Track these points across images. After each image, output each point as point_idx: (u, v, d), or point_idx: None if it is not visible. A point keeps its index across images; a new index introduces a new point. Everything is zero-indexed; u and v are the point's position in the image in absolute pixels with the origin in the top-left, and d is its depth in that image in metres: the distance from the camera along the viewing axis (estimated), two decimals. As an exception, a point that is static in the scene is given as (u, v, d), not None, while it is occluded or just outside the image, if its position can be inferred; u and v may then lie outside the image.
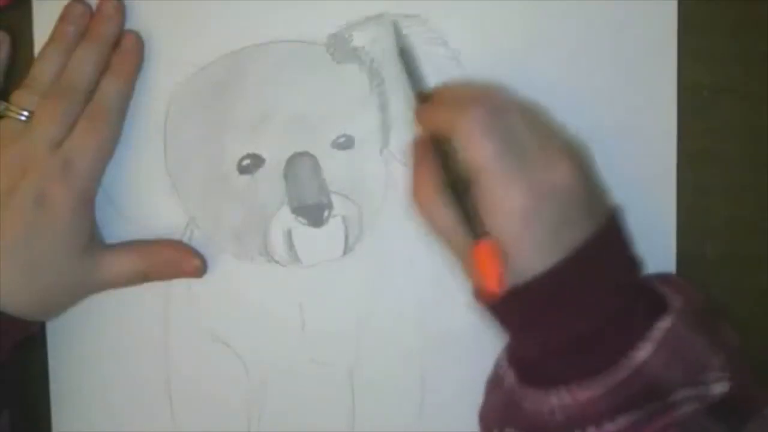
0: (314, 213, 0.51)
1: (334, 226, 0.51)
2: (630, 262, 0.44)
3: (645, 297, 0.43)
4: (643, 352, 0.41)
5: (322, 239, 0.51)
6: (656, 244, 0.50)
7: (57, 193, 0.47)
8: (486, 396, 0.47)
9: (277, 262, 0.52)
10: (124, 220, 0.52)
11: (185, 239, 0.52)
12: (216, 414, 0.53)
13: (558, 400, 0.41)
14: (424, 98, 0.48)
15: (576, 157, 0.44)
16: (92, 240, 0.49)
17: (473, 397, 0.49)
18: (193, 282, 0.52)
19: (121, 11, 0.50)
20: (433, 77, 0.49)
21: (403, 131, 0.51)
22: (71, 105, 0.48)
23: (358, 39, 0.50)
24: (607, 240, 0.43)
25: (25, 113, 0.48)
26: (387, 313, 0.51)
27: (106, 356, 0.52)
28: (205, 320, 0.52)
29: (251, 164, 0.51)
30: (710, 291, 0.51)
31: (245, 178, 0.51)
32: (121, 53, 0.50)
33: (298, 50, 0.51)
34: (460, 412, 0.51)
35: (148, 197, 0.52)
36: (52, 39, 0.50)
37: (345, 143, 0.51)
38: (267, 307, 0.52)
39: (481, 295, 0.44)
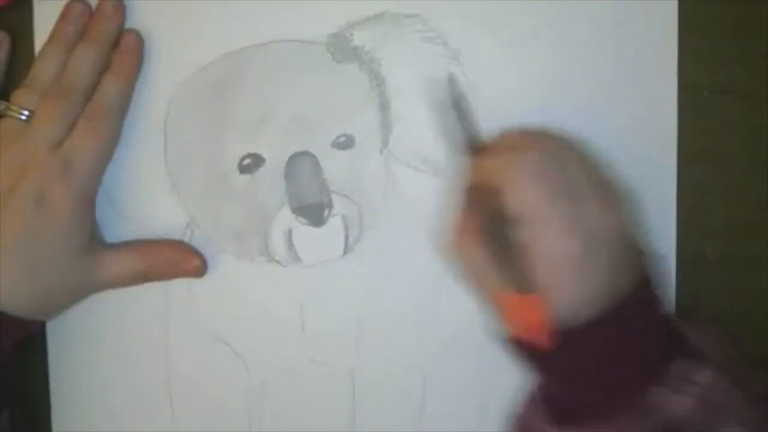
0: (314, 213, 0.51)
1: (334, 226, 0.51)
2: (653, 303, 0.44)
3: (668, 338, 0.43)
4: (661, 398, 0.41)
5: (323, 239, 0.51)
6: (656, 244, 0.50)
7: (57, 193, 0.47)
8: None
9: (277, 261, 0.52)
10: (124, 220, 0.52)
11: (185, 239, 0.52)
12: (216, 414, 0.53)
13: None
14: (475, 148, 0.47)
15: (624, 204, 0.44)
16: (92, 240, 0.49)
17: (474, 397, 0.50)
18: (194, 282, 0.52)
19: (121, 11, 0.50)
20: (433, 78, 0.50)
21: (403, 131, 0.51)
22: (71, 105, 0.48)
23: (359, 38, 0.50)
24: (649, 287, 0.43)
25: (26, 113, 0.48)
26: (387, 313, 0.51)
27: (106, 356, 0.52)
28: (205, 320, 0.52)
29: (251, 164, 0.51)
30: (710, 291, 0.51)
31: (245, 177, 0.51)
32: (121, 53, 0.50)
33: (299, 50, 0.51)
34: (461, 412, 0.52)
35: (148, 197, 0.52)
36: (51, 38, 0.50)
37: (345, 143, 0.51)
38: (267, 306, 0.52)
39: (517, 342, 0.44)
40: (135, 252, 0.51)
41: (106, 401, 0.53)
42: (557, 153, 0.43)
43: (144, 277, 0.51)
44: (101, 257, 0.49)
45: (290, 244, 0.51)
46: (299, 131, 0.51)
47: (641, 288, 0.43)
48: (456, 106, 0.49)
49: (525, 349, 0.43)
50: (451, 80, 0.49)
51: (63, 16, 0.50)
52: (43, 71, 0.49)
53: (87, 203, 0.49)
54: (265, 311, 0.52)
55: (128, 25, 0.51)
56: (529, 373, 0.45)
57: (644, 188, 0.50)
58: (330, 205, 0.51)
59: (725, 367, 0.42)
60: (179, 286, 0.52)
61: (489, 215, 0.43)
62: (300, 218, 0.51)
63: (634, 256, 0.43)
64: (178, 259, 0.51)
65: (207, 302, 0.52)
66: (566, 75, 0.51)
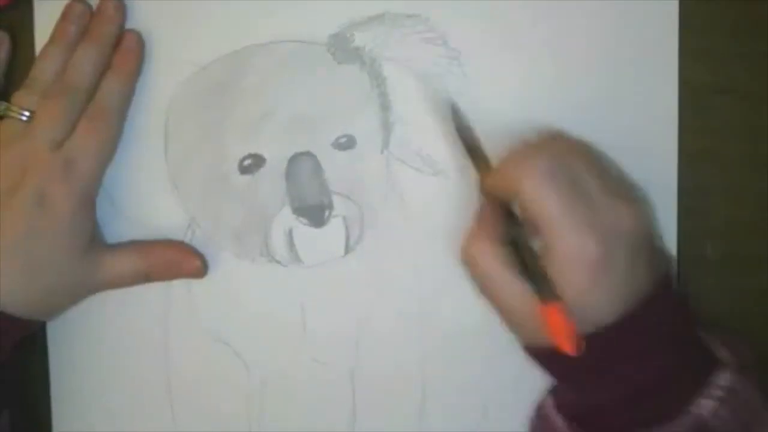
0: (315, 213, 0.51)
1: (334, 227, 0.51)
2: (687, 310, 0.44)
3: (698, 346, 0.44)
4: (704, 408, 0.41)
5: (323, 239, 0.51)
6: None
7: (58, 193, 0.47)
8: None
9: (278, 262, 0.52)
10: (124, 220, 0.52)
11: (186, 239, 0.52)
12: (217, 414, 0.53)
13: None
14: (485, 169, 0.47)
15: (639, 202, 0.44)
16: (93, 240, 0.49)
17: (474, 397, 0.50)
18: (194, 282, 0.52)
19: (122, 11, 0.50)
20: (432, 78, 0.50)
21: (404, 132, 0.51)
22: (72, 105, 0.48)
23: (360, 39, 0.50)
24: (668, 290, 0.43)
25: (26, 113, 0.48)
26: (388, 313, 0.51)
27: (106, 356, 0.52)
28: (205, 320, 0.52)
29: (252, 164, 0.51)
30: (710, 291, 0.51)
31: (246, 178, 0.51)
32: (122, 52, 0.50)
33: (299, 50, 0.51)
34: (461, 412, 0.52)
35: (148, 197, 0.52)
36: (52, 38, 0.50)
37: (346, 143, 0.51)
38: (268, 307, 0.52)
39: (539, 350, 0.43)
40: (136, 252, 0.50)
41: (106, 401, 0.53)
42: (569, 156, 0.43)
43: (145, 277, 0.51)
44: (102, 257, 0.49)
45: (291, 245, 0.51)
46: (300, 131, 0.51)
47: (663, 289, 0.43)
48: (462, 137, 0.49)
49: (549, 357, 0.43)
50: (455, 111, 0.49)
51: (64, 17, 0.50)
52: (43, 71, 0.49)
53: (88, 203, 0.49)
54: (265, 311, 0.52)
55: (128, 25, 0.51)
56: (552, 380, 0.45)
57: (645, 188, 0.50)
58: (330, 206, 0.51)
59: (749, 372, 0.42)
60: (179, 286, 0.52)
61: (505, 224, 0.44)
62: (301, 219, 0.51)
63: (653, 256, 0.43)
64: (178, 260, 0.51)
65: (207, 302, 0.52)
66: (566, 75, 0.51)
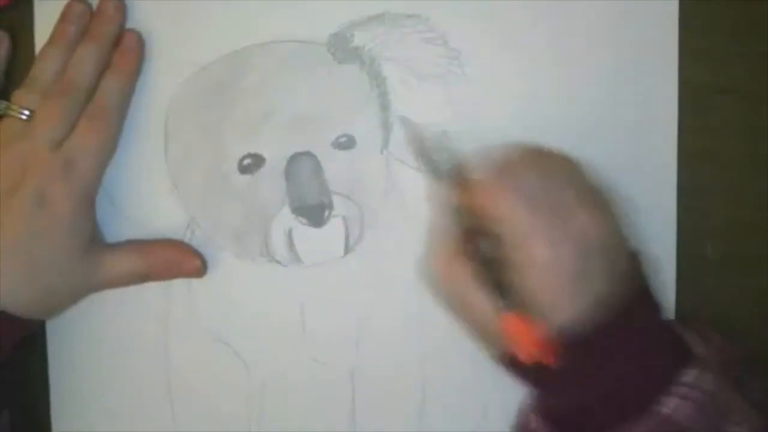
0: (315, 213, 0.51)
1: (334, 226, 0.51)
2: (654, 308, 0.44)
3: (670, 344, 0.43)
4: (669, 405, 0.41)
5: (323, 239, 0.51)
6: (657, 244, 0.50)
7: (58, 192, 0.47)
8: None
9: (278, 262, 0.52)
10: (124, 220, 0.52)
11: (186, 239, 0.52)
12: (217, 414, 0.52)
13: None
14: (439, 178, 0.47)
15: (595, 205, 0.43)
16: (93, 239, 0.49)
17: (474, 397, 0.49)
18: (194, 282, 0.52)
19: (122, 10, 0.50)
20: (432, 78, 0.50)
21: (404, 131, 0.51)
22: (72, 104, 0.48)
23: (359, 38, 0.50)
24: (647, 292, 0.43)
25: (26, 112, 0.48)
26: (387, 313, 0.51)
27: (106, 356, 0.52)
28: (205, 320, 0.52)
29: (252, 164, 0.51)
30: (710, 291, 0.51)
31: (246, 177, 0.51)
32: (122, 52, 0.50)
33: (299, 50, 0.51)
34: (461, 412, 0.51)
35: (148, 197, 0.52)
36: (52, 38, 0.50)
37: (346, 143, 0.51)
38: (267, 307, 0.52)
39: (515, 362, 0.43)
40: (135, 252, 0.50)
41: (105, 401, 0.53)
42: (537, 165, 0.43)
43: (144, 277, 0.51)
44: (101, 257, 0.49)
45: (291, 245, 0.51)
46: (300, 131, 0.51)
47: (640, 294, 0.42)
48: (414, 147, 0.49)
49: (524, 368, 0.42)
50: (405, 122, 0.49)
51: (63, 16, 0.50)
52: (43, 71, 0.49)
53: (88, 203, 0.49)
54: (265, 311, 0.52)
55: (128, 24, 0.51)
56: (528, 389, 0.45)
57: (644, 189, 0.50)
58: (330, 206, 0.51)
59: (726, 371, 0.42)
60: (179, 286, 0.52)
61: (475, 236, 0.43)
62: (300, 218, 0.51)
63: (629, 261, 0.43)
64: (178, 260, 0.51)
65: (207, 302, 0.52)
66: (566, 75, 0.51)
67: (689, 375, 0.42)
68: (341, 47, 0.50)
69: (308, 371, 0.52)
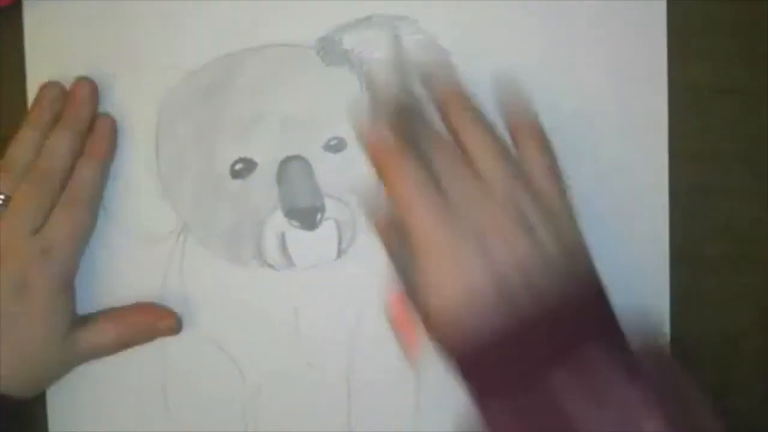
0: (307, 216, 0.51)
1: (327, 229, 0.51)
2: (580, 333, 0.42)
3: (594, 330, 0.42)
4: (554, 379, 0.40)
5: (316, 242, 0.51)
6: (649, 245, 0.50)
7: (37, 279, 0.47)
8: None
9: (270, 266, 0.52)
10: (117, 227, 0.52)
11: (178, 245, 0.52)
12: (212, 419, 0.52)
13: None
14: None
15: (536, 232, 0.42)
16: (73, 321, 0.50)
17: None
18: (188, 287, 0.52)
19: (96, 94, 0.51)
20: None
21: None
22: (48, 190, 0.48)
23: (348, 41, 0.50)
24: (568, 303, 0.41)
25: (1, 197, 0.48)
26: (381, 315, 0.51)
27: (102, 361, 0.52)
28: (200, 325, 0.52)
29: (243, 168, 0.51)
30: (708, 292, 0.51)
31: (238, 182, 0.51)
32: (95, 139, 0.50)
33: (288, 54, 0.51)
34: (456, 414, 0.51)
35: (141, 203, 0.52)
36: (27, 122, 0.50)
37: (337, 146, 0.51)
38: (261, 311, 0.52)
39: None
40: (108, 323, 0.51)
41: (102, 405, 0.53)
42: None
43: (120, 345, 0.51)
44: (78, 334, 0.50)
45: (283, 248, 0.51)
46: (291, 135, 0.51)
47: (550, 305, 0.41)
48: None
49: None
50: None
51: (38, 101, 0.50)
52: (19, 155, 0.49)
53: (66, 287, 0.49)
54: (259, 316, 0.52)
55: (120, 28, 0.51)
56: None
57: (637, 190, 0.50)
58: (323, 209, 0.51)
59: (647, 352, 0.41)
60: (173, 291, 0.52)
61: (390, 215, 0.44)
62: (293, 222, 0.51)
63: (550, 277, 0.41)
64: (151, 323, 0.51)
65: (202, 307, 0.52)
66: (556, 76, 0.51)
67: (583, 350, 0.40)
68: (330, 50, 0.50)
69: (303, 375, 0.52)
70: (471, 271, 0.41)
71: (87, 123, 0.50)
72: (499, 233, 0.41)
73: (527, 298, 0.40)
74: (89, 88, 0.51)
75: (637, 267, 0.51)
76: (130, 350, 0.52)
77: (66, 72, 0.51)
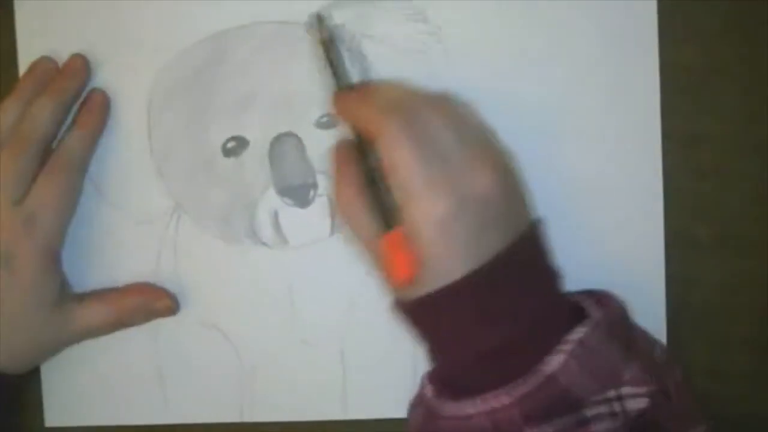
0: (300, 193, 0.51)
1: (320, 206, 0.51)
2: (548, 274, 0.44)
3: (563, 309, 0.43)
4: (553, 364, 0.40)
5: (309, 219, 0.51)
6: (645, 229, 0.50)
7: (22, 250, 0.47)
8: (409, 415, 0.46)
9: (264, 244, 0.52)
10: (110, 207, 0.52)
11: (172, 224, 0.52)
12: (209, 398, 0.52)
13: (473, 410, 0.41)
14: (343, 87, 0.47)
15: (499, 165, 0.43)
16: (62, 294, 0.49)
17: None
18: (182, 267, 0.52)
19: (87, 68, 0.51)
20: (413, 55, 0.50)
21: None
22: (30, 158, 0.48)
23: (339, 17, 0.50)
24: (526, 250, 0.43)
25: None
26: (376, 292, 0.51)
27: (97, 344, 0.52)
28: (194, 304, 0.52)
29: (236, 146, 0.51)
30: (703, 274, 0.51)
31: (230, 160, 0.51)
32: (87, 111, 0.51)
33: (279, 31, 0.51)
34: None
35: (134, 183, 0.52)
36: (13, 93, 0.50)
37: (328, 123, 0.51)
38: (256, 289, 0.52)
39: (397, 299, 0.44)
40: (104, 302, 0.50)
41: (97, 388, 0.53)
42: (426, 113, 0.42)
43: (117, 325, 0.51)
44: (71, 311, 0.50)
45: (277, 226, 0.51)
46: (282, 112, 0.51)
47: (517, 249, 0.42)
48: (323, 46, 0.48)
49: (406, 309, 0.43)
50: (320, 20, 0.49)
51: (27, 72, 0.51)
52: (1, 123, 0.49)
53: (52, 257, 0.49)
54: (253, 294, 0.52)
55: (110, 12, 0.51)
56: (421, 345, 0.45)
57: (631, 173, 0.50)
58: (315, 186, 0.51)
59: (600, 324, 0.42)
60: (167, 271, 0.52)
61: (363, 163, 0.44)
62: (286, 199, 0.51)
63: (511, 219, 0.42)
64: (148, 303, 0.51)
65: (196, 287, 0.52)
66: (547, 52, 0.51)
67: (575, 333, 0.41)
68: (320, 26, 0.50)
69: (298, 353, 0.52)
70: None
71: (74, 95, 0.50)
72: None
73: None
74: (80, 62, 0.51)
75: (632, 249, 0.51)
76: (124, 330, 0.52)
77: (57, 52, 0.51)
